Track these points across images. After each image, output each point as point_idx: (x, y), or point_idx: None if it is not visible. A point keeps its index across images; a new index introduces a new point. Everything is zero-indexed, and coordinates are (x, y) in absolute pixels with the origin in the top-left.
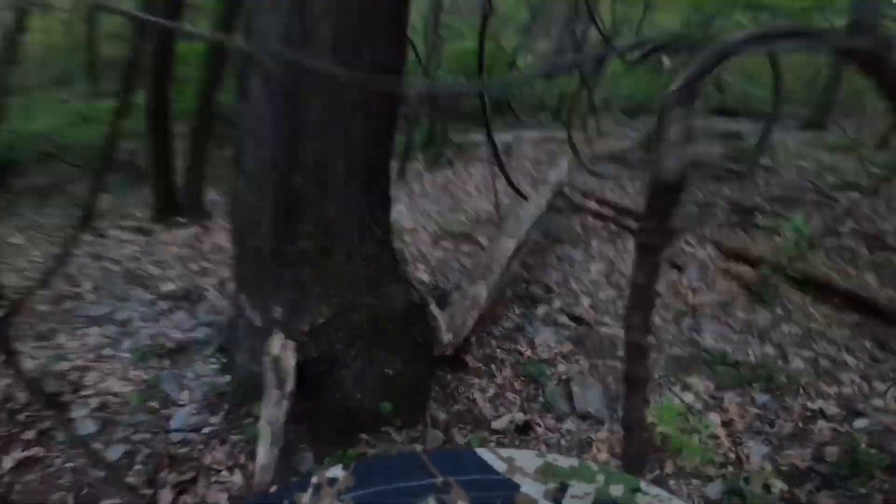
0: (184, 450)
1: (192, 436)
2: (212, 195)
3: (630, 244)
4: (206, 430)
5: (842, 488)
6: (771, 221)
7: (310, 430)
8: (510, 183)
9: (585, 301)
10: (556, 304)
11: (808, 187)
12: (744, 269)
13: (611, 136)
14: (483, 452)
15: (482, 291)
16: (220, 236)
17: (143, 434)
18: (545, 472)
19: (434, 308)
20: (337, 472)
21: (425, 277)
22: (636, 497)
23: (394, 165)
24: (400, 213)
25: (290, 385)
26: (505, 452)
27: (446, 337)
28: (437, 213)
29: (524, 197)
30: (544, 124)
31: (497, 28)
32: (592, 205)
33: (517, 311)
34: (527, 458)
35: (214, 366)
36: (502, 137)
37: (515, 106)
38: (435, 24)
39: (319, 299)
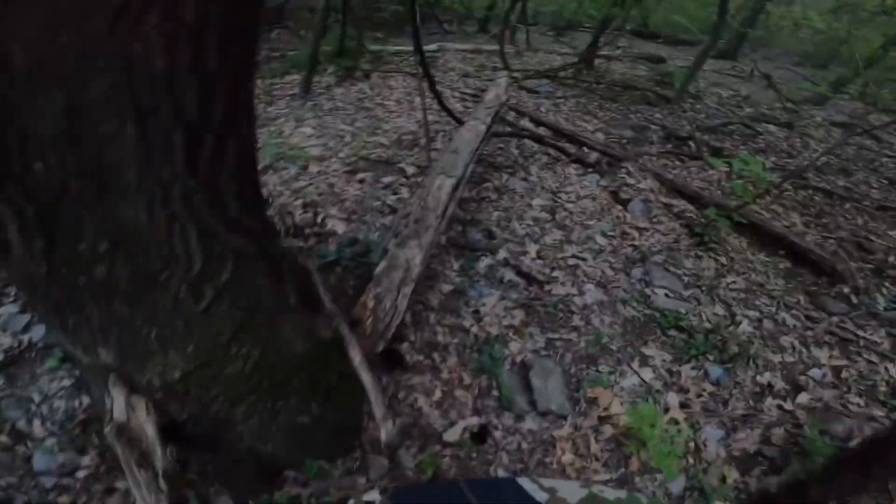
0: (65, 499)
1: (67, 481)
2: None
3: (570, 171)
4: (80, 473)
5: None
6: (714, 157)
7: (219, 481)
8: (440, 103)
9: (532, 248)
10: (501, 254)
11: (732, 118)
12: (685, 206)
13: (541, 51)
14: (524, 482)
15: (416, 255)
16: None
17: (9, 478)
18: None
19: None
20: (374, 496)
21: (340, 227)
22: None
23: (296, 79)
24: (305, 137)
25: (160, 460)
26: (547, 482)
27: (384, 431)
28: (351, 134)
29: (457, 119)
30: (470, 35)
31: None
32: (529, 125)
33: (455, 267)
34: (570, 489)
35: (65, 381)
36: (427, 46)
37: (440, 14)
38: None
39: (161, 344)
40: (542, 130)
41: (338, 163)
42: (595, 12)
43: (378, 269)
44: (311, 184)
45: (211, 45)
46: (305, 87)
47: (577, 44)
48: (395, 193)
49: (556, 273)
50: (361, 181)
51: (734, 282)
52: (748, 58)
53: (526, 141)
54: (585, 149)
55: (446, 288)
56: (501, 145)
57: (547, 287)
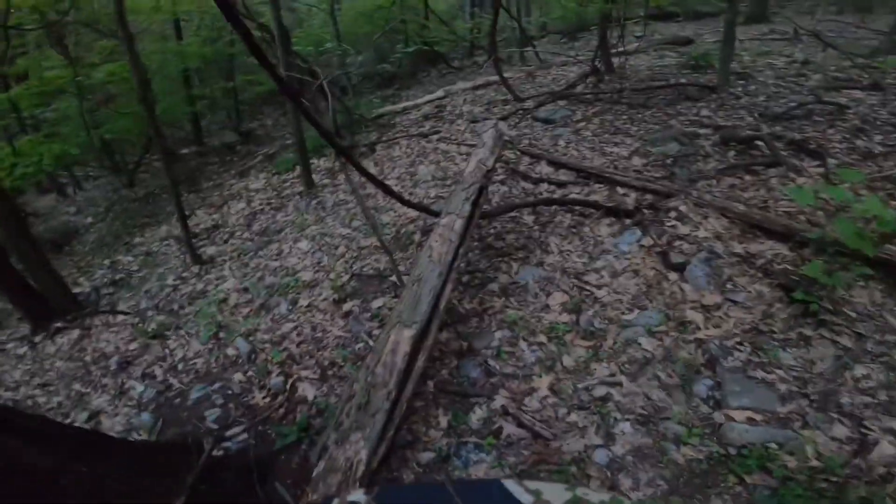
0: None
1: None
2: (86, 283)
3: (602, 232)
4: None
5: None
6: (794, 168)
7: None
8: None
9: (543, 381)
10: (499, 399)
11: (804, 95)
12: (773, 251)
13: (555, 66)
14: (510, 484)
15: (360, 452)
16: (106, 336)
17: None
18: None
19: None
20: (359, 496)
21: (311, 392)
22: None
23: (293, 178)
24: (301, 255)
25: None
26: (532, 485)
27: None
28: (347, 241)
29: (432, 213)
30: (482, 66)
31: None
32: (547, 170)
33: (442, 424)
34: (554, 492)
35: None
36: (429, 97)
37: (446, 53)
38: None
39: None
40: (562, 174)
41: (328, 287)
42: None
43: (315, 472)
44: (296, 327)
45: None
46: (307, 183)
47: (595, 45)
48: (382, 324)
49: (574, 416)
50: (348, 314)
51: (865, 376)
52: (780, 16)
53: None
54: (619, 188)
55: (425, 457)
56: (514, 214)
57: (556, 444)
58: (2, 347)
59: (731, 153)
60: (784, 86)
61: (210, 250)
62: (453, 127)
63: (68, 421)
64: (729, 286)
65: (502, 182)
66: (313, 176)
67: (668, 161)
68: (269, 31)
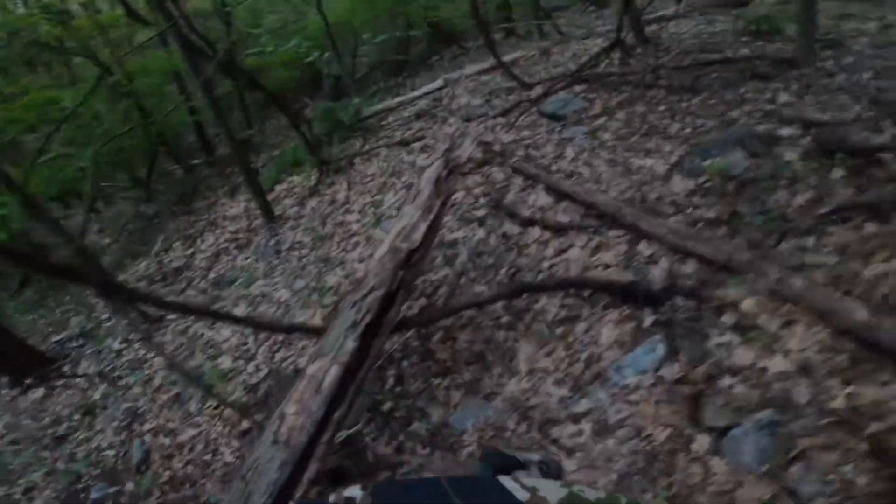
0: None
1: None
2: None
3: (603, 342)
4: None
5: None
6: None
7: None
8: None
9: None
10: None
11: None
12: None
13: (574, 40)
14: (506, 480)
15: None
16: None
17: None
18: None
19: None
20: (355, 492)
21: None
22: None
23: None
24: (231, 331)
25: None
26: (529, 482)
27: None
28: (285, 308)
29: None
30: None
31: None
32: (539, 201)
33: None
34: (550, 489)
35: None
36: (426, 88)
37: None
38: None
39: None
40: (563, 211)
41: (241, 386)
42: None
43: None
44: (195, 436)
45: None
46: (266, 214)
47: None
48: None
49: None
50: (245, 433)
51: None
52: None
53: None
54: (645, 241)
55: None
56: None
57: None
58: None
59: (838, 172)
60: (892, 58)
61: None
62: (443, 129)
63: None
64: (799, 472)
65: (480, 222)
66: (287, 199)
67: (730, 187)
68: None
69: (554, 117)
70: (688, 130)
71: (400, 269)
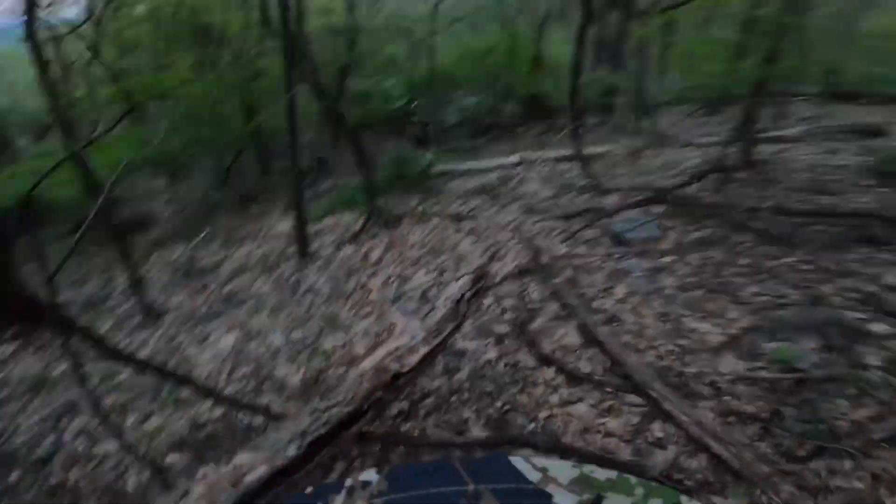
0: None
1: None
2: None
3: None
4: None
5: None
6: None
7: None
8: None
9: None
10: None
11: None
12: None
13: (673, 144)
14: (517, 461)
15: None
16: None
17: None
18: (580, 484)
19: None
20: (371, 475)
21: None
22: None
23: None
24: (212, 355)
25: None
26: (539, 462)
27: None
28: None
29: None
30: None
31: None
32: (566, 339)
33: None
34: (562, 469)
35: None
36: (500, 160)
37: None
38: None
39: None
40: (587, 359)
41: (188, 419)
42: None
43: None
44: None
45: None
46: (300, 248)
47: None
48: None
49: None
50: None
51: None
52: None
53: None
54: (661, 420)
55: None
56: None
57: None
58: None
59: None
60: None
61: (175, 300)
62: (497, 216)
63: None
64: None
65: (498, 340)
66: (328, 237)
67: (785, 382)
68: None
69: (618, 240)
70: (764, 298)
71: (378, 391)
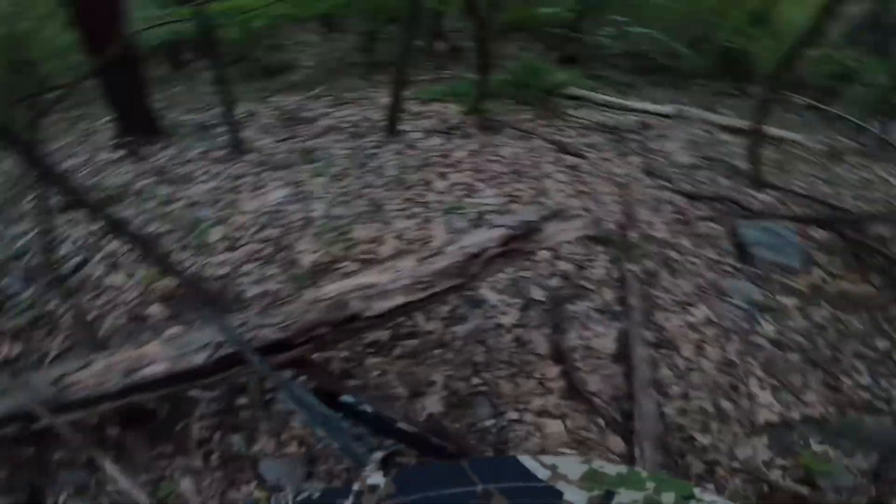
0: None
1: None
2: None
3: None
4: None
5: None
6: None
7: None
8: None
9: None
10: None
11: None
12: None
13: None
14: (525, 460)
15: None
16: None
17: None
18: (590, 480)
19: None
20: (378, 478)
21: None
22: None
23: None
24: (259, 203)
25: None
26: (548, 460)
27: None
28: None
29: None
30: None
31: None
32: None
33: None
34: (571, 466)
35: None
36: (651, 106)
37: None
38: None
39: None
40: (601, 384)
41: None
42: None
43: None
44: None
45: None
46: (390, 125)
47: None
48: None
49: None
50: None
51: None
52: None
53: None
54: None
55: None
56: None
57: None
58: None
59: None
60: None
61: (263, 142)
62: (611, 164)
63: None
64: None
65: (523, 307)
66: (424, 122)
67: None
68: None
69: (741, 251)
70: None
71: (323, 327)
